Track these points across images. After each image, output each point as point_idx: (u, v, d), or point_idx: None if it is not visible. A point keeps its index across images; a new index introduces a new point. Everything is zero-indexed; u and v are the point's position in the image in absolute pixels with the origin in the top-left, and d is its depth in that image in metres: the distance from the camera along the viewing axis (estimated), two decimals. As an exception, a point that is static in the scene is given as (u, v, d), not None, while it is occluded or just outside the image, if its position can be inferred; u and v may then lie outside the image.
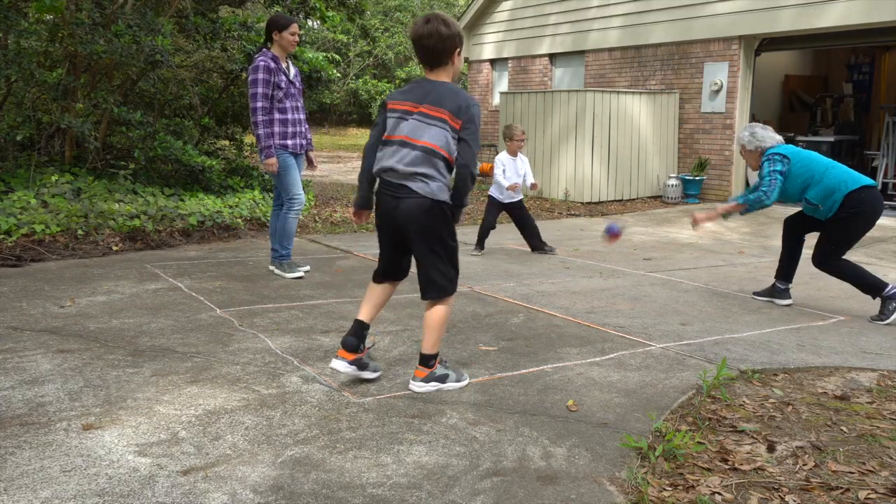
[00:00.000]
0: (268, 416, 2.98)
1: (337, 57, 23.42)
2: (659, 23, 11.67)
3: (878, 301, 4.92)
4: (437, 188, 3.20)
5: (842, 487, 2.51)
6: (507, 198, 6.99)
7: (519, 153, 7.09)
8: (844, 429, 3.03)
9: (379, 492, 2.41)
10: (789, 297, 5.23)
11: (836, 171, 4.87)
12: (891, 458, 2.77)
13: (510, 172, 6.97)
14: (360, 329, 3.37)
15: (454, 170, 3.25)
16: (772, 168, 4.91)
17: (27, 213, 6.61)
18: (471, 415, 3.05)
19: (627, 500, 2.41)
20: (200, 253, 6.54)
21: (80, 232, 6.55)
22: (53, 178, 7.35)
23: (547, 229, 8.57)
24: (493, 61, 15.38)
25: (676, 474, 2.61)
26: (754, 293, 5.43)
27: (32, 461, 2.54)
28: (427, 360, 3.35)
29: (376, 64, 29.05)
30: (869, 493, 2.47)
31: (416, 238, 3.26)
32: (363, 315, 3.40)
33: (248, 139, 10.51)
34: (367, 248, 7.02)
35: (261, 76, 5.23)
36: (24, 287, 5.02)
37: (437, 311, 3.32)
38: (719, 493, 2.47)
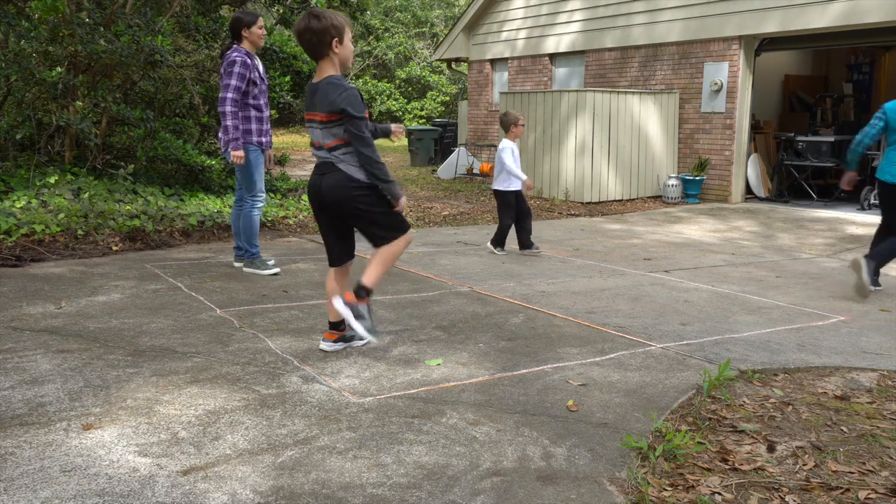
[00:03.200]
0: (268, 416, 2.98)
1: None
2: (659, 23, 11.68)
3: (878, 295, 4.97)
4: None
5: (842, 487, 2.51)
6: (511, 185, 6.79)
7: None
8: (844, 429, 3.03)
9: (379, 492, 2.41)
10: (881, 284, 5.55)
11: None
12: (891, 458, 2.77)
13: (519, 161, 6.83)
14: None
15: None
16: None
17: (27, 213, 6.61)
18: (471, 415, 3.05)
19: (627, 500, 2.41)
20: (200, 253, 6.54)
21: (79, 232, 6.55)
22: (53, 179, 7.35)
23: (547, 229, 8.57)
24: (493, 61, 15.38)
25: (676, 474, 2.61)
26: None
27: (32, 461, 2.54)
28: (361, 291, 3.55)
29: (376, 64, 29.07)
30: (869, 493, 2.47)
31: None
32: None
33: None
34: (367, 248, 7.01)
35: (238, 70, 5.26)
36: (24, 287, 5.02)
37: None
38: (719, 493, 2.47)
